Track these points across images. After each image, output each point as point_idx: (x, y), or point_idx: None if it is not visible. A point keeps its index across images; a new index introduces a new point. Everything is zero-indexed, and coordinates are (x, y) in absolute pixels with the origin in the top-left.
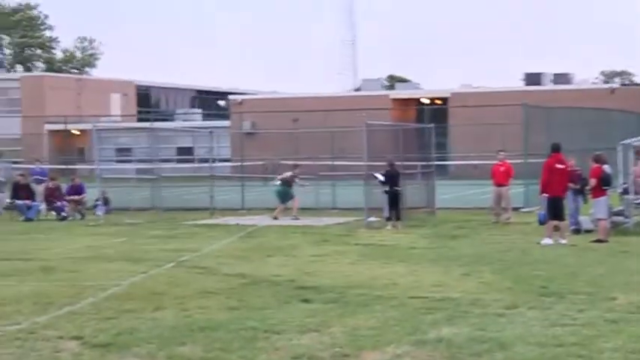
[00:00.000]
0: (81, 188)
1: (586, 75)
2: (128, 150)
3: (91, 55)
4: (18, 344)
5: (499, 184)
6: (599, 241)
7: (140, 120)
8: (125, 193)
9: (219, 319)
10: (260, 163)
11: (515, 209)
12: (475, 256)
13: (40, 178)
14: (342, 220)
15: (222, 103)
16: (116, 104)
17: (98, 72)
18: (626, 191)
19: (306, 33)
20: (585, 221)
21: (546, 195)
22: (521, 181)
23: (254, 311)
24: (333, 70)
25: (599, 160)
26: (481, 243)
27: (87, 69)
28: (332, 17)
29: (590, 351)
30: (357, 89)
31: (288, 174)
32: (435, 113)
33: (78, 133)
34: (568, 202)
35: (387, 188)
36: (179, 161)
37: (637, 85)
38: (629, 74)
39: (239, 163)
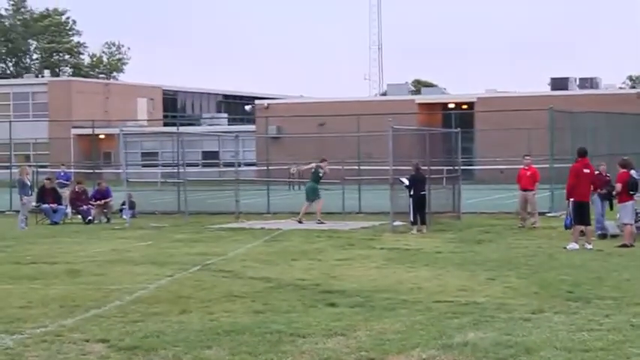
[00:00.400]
0: (107, 192)
1: (613, 80)
2: (154, 154)
3: (119, 60)
4: (45, 347)
5: (525, 189)
6: (624, 245)
7: (166, 124)
8: (151, 197)
9: (244, 323)
10: (285, 167)
11: (541, 214)
12: (501, 260)
13: (64, 182)
14: (367, 224)
15: (248, 108)
16: (143, 109)
17: (125, 77)
18: None
19: (332, 38)
20: (611, 226)
21: (572, 199)
22: (547, 186)
23: (279, 315)
24: (359, 75)
25: (625, 165)
26: (507, 247)
27: (114, 74)
28: (358, 22)
29: (617, 356)
30: (384, 94)
31: (313, 164)
32: (461, 118)
33: (103, 137)
34: (595, 207)
35: (412, 192)
36: (204, 165)
37: None
38: None
39: (264, 167)
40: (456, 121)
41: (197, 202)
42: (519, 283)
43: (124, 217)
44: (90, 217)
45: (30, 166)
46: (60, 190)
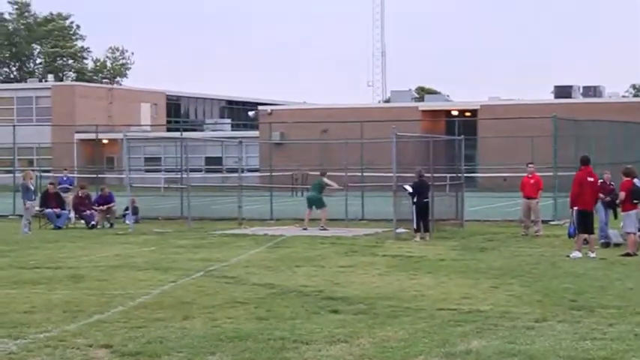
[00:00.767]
0: (110, 197)
1: (616, 88)
2: (157, 159)
3: (122, 65)
4: (48, 352)
5: (528, 197)
6: (628, 254)
7: (169, 130)
8: (154, 202)
9: (247, 329)
10: (288, 173)
11: (545, 222)
12: (504, 268)
13: (67, 187)
14: (370, 231)
15: (251, 113)
16: (146, 114)
17: (129, 82)
18: None
19: (336, 44)
20: (614, 235)
21: (576, 208)
22: (551, 194)
23: (283, 321)
24: (362, 82)
25: (629, 173)
26: (510, 256)
27: (118, 78)
28: (362, 28)
29: None
30: (387, 100)
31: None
32: (464, 125)
33: (106, 142)
34: (599, 215)
35: (415, 199)
36: (208, 171)
37: None
38: None
39: (267, 174)
40: (460, 129)
41: (200, 207)
42: (522, 291)
43: (127, 222)
44: (93, 222)
45: (33, 170)
46: (63, 195)
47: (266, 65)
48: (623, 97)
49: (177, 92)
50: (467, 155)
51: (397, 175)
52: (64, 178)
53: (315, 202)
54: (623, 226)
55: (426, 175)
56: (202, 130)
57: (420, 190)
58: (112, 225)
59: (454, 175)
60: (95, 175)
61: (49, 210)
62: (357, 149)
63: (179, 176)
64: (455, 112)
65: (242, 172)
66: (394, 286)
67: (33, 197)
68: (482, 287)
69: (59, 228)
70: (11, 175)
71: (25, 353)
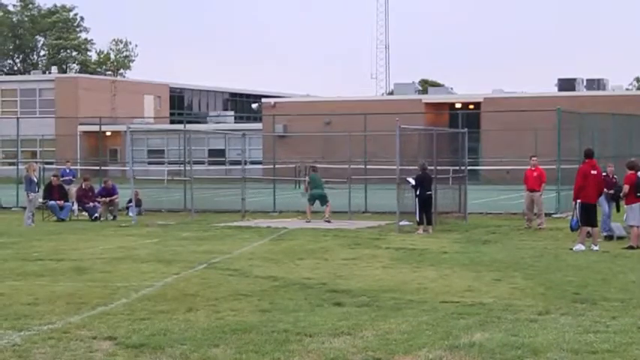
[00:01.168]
0: (113, 189)
1: (620, 81)
2: (160, 152)
3: (126, 57)
4: (52, 344)
5: (532, 190)
6: (631, 247)
7: (173, 122)
8: (157, 194)
9: (251, 322)
10: (292, 165)
11: (548, 215)
12: (507, 261)
13: (71, 178)
14: (373, 223)
15: (255, 106)
16: (149, 106)
17: (132, 74)
18: None
19: (339, 36)
20: (618, 228)
21: (579, 201)
22: (554, 187)
23: (286, 314)
24: (366, 74)
25: (633, 166)
26: (513, 248)
27: (121, 70)
28: (366, 21)
29: (624, 358)
30: (390, 93)
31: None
32: (468, 118)
33: (109, 134)
34: (602, 208)
35: (419, 192)
36: (211, 163)
37: None
38: None
39: (271, 166)
40: (463, 121)
41: (203, 200)
42: (525, 284)
43: (130, 214)
44: (96, 215)
45: (37, 162)
46: (66, 187)
47: (269, 57)
48: (627, 89)
49: (180, 84)
50: (470, 148)
51: (400, 167)
52: (67, 171)
53: (321, 199)
54: (627, 219)
55: (430, 167)
56: (205, 123)
57: (423, 182)
58: (114, 217)
59: (457, 167)
60: (98, 168)
61: (53, 202)
62: (361, 142)
63: (182, 168)
64: (458, 105)
65: (245, 164)
66: (397, 279)
67: (36, 189)
68: (485, 280)
69: (62, 220)
70: (14, 167)
71: (29, 345)
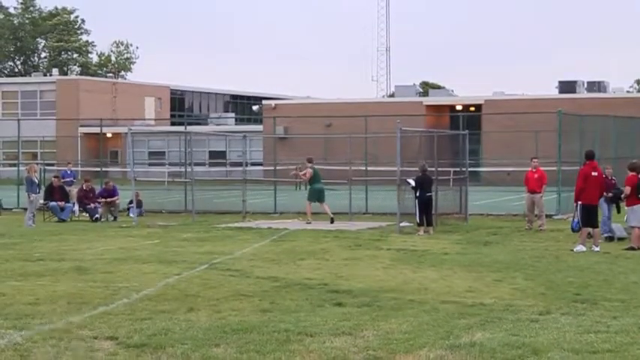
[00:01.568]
0: (114, 191)
1: (621, 84)
2: (161, 153)
3: (127, 59)
4: (53, 343)
5: (532, 191)
6: (632, 248)
7: (174, 124)
8: (158, 196)
9: (252, 322)
10: (292, 167)
11: (549, 216)
12: (508, 262)
13: (71, 180)
14: (374, 224)
15: (255, 108)
16: (150, 108)
17: (133, 76)
18: None
19: (340, 38)
20: (618, 229)
21: (580, 202)
22: (555, 189)
23: (287, 314)
24: (366, 76)
25: (634, 168)
26: (514, 249)
27: (122, 72)
28: (366, 23)
29: (624, 358)
30: (391, 95)
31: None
32: (469, 120)
33: (110, 135)
34: (602, 210)
35: (418, 193)
36: (212, 165)
37: None
38: None
39: (271, 168)
40: (464, 123)
41: (204, 201)
42: (526, 284)
43: (131, 215)
44: (97, 215)
45: (37, 164)
46: (67, 189)
47: (270, 60)
48: (628, 92)
49: (181, 86)
50: (471, 150)
51: (401, 169)
52: (68, 172)
53: (321, 194)
54: (628, 220)
55: (430, 169)
56: (206, 124)
57: (423, 184)
58: (115, 218)
59: (458, 169)
60: (99, 169)
61: (54, 203)
62: (361, 144)
63: (183, 170)
64: (459, 107)
65: (246, 165)
66: (398, 280)
67: (37, 190)
68: (486, 280)
69: (63, 221)
70: (16, 168)
71: (30, 344)
